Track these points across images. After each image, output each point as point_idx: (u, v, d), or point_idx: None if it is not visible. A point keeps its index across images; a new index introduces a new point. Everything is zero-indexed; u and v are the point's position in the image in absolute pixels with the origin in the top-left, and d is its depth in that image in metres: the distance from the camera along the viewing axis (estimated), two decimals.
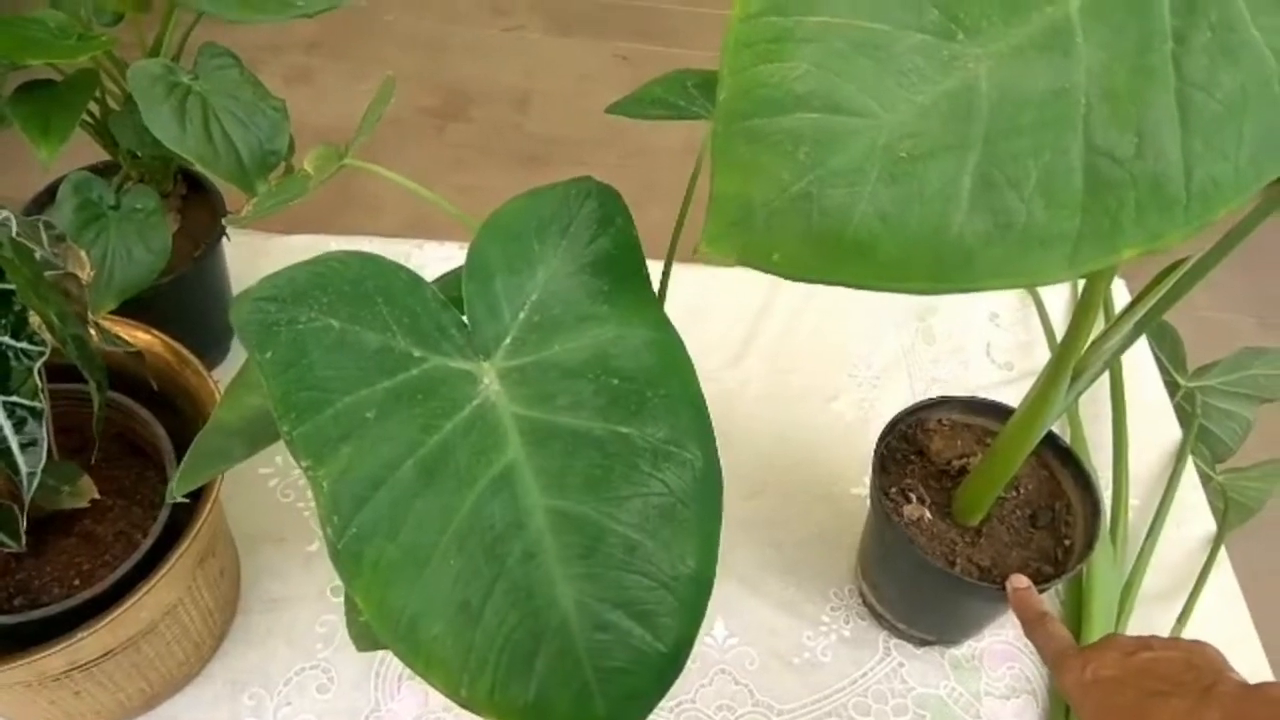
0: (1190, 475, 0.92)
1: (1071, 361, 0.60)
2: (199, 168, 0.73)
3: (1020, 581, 0.65)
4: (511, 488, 0.40)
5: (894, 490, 0.74)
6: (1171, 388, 1.05)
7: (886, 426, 0.76)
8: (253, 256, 1.00)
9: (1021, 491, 0.75)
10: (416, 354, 0.41)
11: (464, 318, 0.42)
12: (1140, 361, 0.99)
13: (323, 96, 2.05)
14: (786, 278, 0.38)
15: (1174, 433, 0.96)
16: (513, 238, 0.43)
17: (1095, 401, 0.94)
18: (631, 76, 2.16)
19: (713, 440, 0.42)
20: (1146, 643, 0.52)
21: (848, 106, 0.37)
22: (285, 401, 0.40)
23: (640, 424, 0.41)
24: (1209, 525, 0.89)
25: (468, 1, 2.31)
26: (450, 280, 0.48)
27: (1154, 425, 0.95)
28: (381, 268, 0.41)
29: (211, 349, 0.93)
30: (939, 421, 0.78)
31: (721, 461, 0.73)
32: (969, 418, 0.79)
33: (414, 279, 0.42)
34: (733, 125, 0.38)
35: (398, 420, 0.40)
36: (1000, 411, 0.78)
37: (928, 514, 0.73)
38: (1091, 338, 0.61)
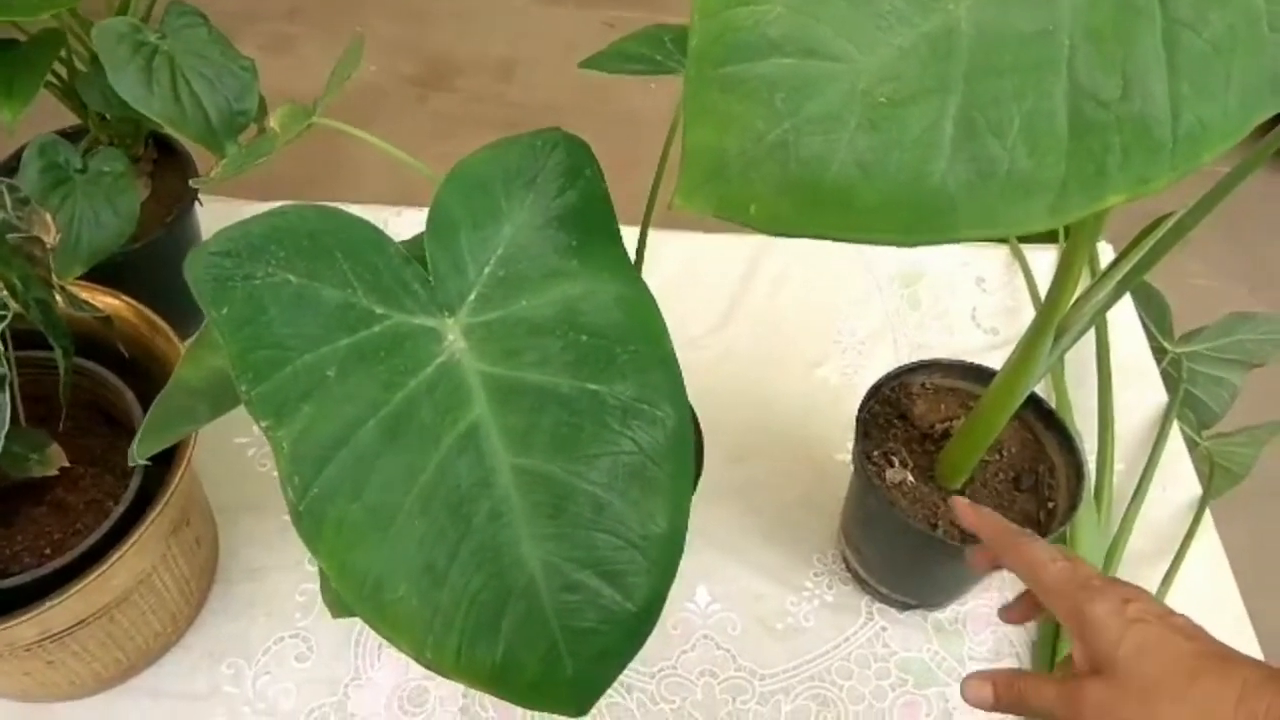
0: (1176, 440, 0.91)
1: (1055, 319, 0.59)
2: (167, 129, 0.71)
3: (960, 502, 0.57)
4: (477, 446, 0.39)
5: (877, 454, 0.73)
6: (1158, 353, 1.05)
7: (870, 391, 0.75)
8: (227, 222, 0.98)
9: (1005, 454, 0.75)
10: (378, 310, 0.40)
11: (428, 273, 0.41)
12: (1126, 326, 0.98)
13: (303, 65, 2.01)
14: (764, 231, 0.37)
15: (1160, 398, 0.95)
16: (477, 190, 0.42)
17: (1081, 365, 0.93)
18: None
19: (684, 398, 0.41)
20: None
21: (824, 50, 0.35)
22: (242, 360, 0.38)
23: (609, 381, 0.40)
24: (1194, 490, 0.88)
25: None
26: (417, 240, 0.47)
27: (1140, 390, 0.95)
28: (341, 221, 0.40)
29: (186, 316, 0.90)
30: (922, 385, 0.78)
31: (705, 427, 0.73)
32: (953, 381, 0.78)
33: (375, 233, 0.40)
34: (705, 73, 0.36)
35: (360, 378, 0.39)
36: (984, 375, 0.77)
37: (910, 477, 0.72)
38: (1075, 296, 0.60)
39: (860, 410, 0.74)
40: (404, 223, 1.02)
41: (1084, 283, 0.62)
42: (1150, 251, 0.57)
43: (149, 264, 0.81)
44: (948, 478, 0.72)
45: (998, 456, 0.74)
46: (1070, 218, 0.35)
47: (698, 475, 0.67)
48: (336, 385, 0.39)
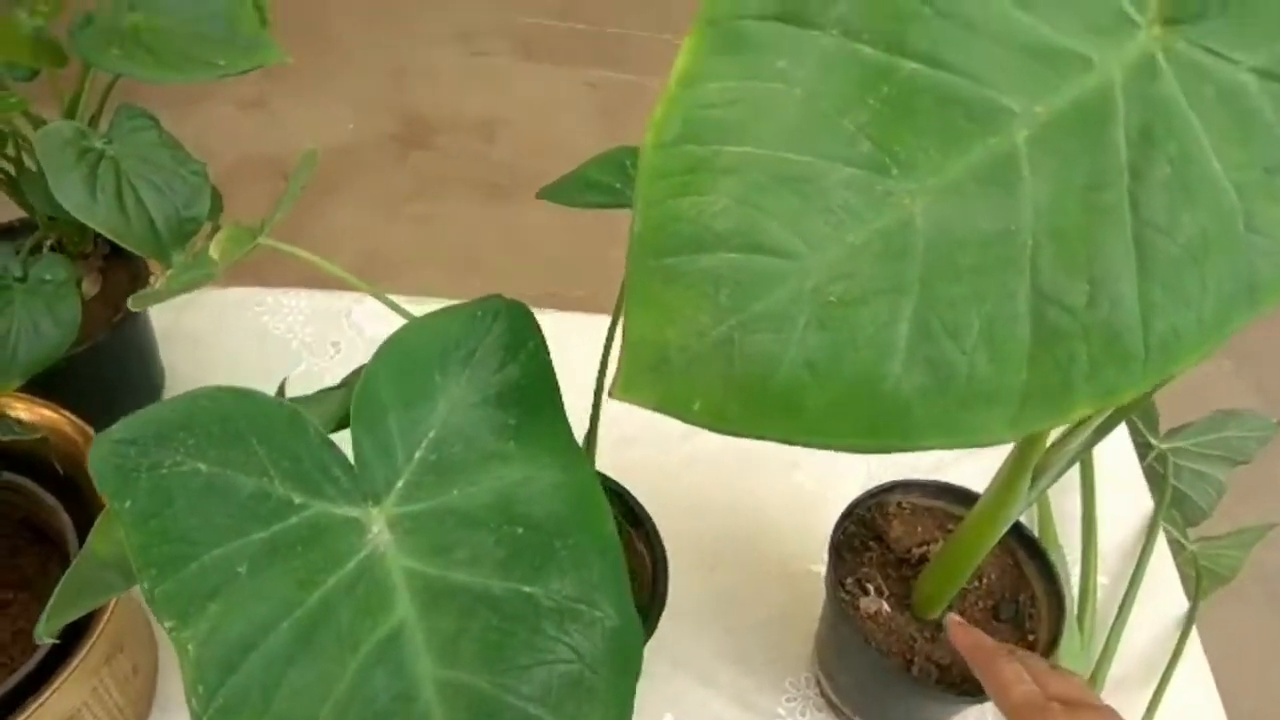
0: (1161, 547, 0.89)
1: (1031, 464, 0.57)
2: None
3: (954, 621, 0.61)
4: (399, 654, 0.36)
5: (850, 581, 0.70)
6: (1144, 448, 1.02)
7: (844, 511, 0.72)
8: (181, 313, 0.96)
9: (984, 582, 0.72)
10: (296, 500, 0.37)
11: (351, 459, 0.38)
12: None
13: (277, 124, 1.99)
14: (709, 429, 0.34)
15: (1146, 502, 0.93)
16: (410, 368, 0.39)
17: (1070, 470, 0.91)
18: (600, 104, 2.12)
19: (626, 593, 0.38)
20: None
21: (772, 246, 0.33)
22: (145, 555, 0.36)
23: (545, 580, 0.37)
24: (1180, 600, 0.86)
25: (433, 25, 2.27)
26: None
27: (1125, 495, 0.92)
28: (257, 404, 0.37)
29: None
30: (899, 505, 0.75)
31: (675, 535, 0.70)
32: (929, 501, 0.75)
33: (293, 415, 0.37)
34: (647, 263, 0.34)
35: (273, 575, 0.36)
36: (960, 495, 0.74)
37: (885, 606, 0.69)
38: (1052, 440, 0.57)
39: (834, 532, 0.71)
40: (366, 311, 0.99)
41: None
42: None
43: (95, 365, 0.78)
44: (924, 607, 0.69)
45: (976, 584, 0.71)
46: (1032, 429, 0.32)
47: (664, 596, 0.64)
48: (248, 583, 0.36)
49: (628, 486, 0.69)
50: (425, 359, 0.39)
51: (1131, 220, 0.32)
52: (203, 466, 0.37)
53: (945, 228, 0.33)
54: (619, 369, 0.34)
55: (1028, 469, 0.57)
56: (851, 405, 0.33)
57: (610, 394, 0.34)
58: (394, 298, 1.04)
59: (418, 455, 0.38)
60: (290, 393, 0.61)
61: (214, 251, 0.55)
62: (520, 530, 0.37)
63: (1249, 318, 0.33)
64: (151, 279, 0.81)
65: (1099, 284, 0.32)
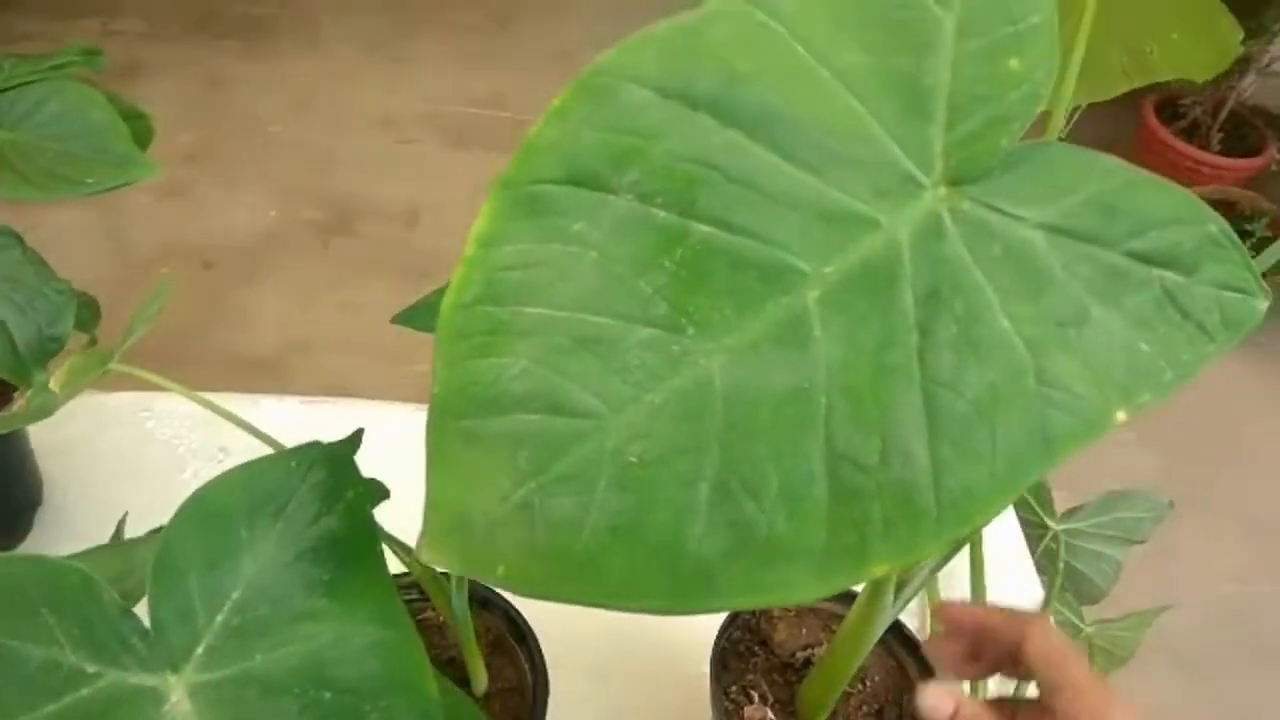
0: None
1: (893, 576, 0.57)
2: None
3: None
4: None
5: (735, 689, 0.69)
6: (1040, 530, 1.04)
7: (728, 618, 0.71)
8: (59, 421, 0.92)
9: (868, 684, 0.71)
10: (90, 669, 0.36)
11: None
12: (999, 519, 0.97)
13: (199, 210, 1.98)
14: (514, 593, 0.34)
15: (1037, 591, 0.93)
16: (214, 524, 0.38)
17: (956, 557, 0.91)
18: None
19: None
20: None
21: (571, 407, 0.33)
22: None
23: None
24: None
25: (358, 113, 2.28)
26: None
27: (1017, 579, 0.93)
28: (49, 571, 0.36)
29: (9, 527, 0.85)
30: (783, 608, 0.74)
31: (560, 639, 0.68)
32: (814, 603, 0.75)
33: (86, 581, 0.36)
34: (447, 424, 0.33)
35: None
36: (847, 596, 0.74)
37: (770, 715, 0.68)
38: None
39: (717, 640, 0.70)
40: (259, 413, 0.97)
41: None
42: None
43: None
44: (809, 713, 0.68)
45: (860, 687, 0.71)
46: (833, 588, 0.32)
47: (544, 716, 0.62)
48: None
49: (511, 596, 0.68)
50: (231, 514, 0.38)
51: (921, 378, 0.33)
52: None
53: (742, 387, 0.33)
54: (423, 529, 0.34)
55: (889, 583, 0.57)
56: (655, 568, 0.33)
57: (416, 556, 0.34)
58: (297, 398, 1.02)
59: (219, 619, 0.37)
60: (176, 503, 0.60)
61: (54, 384, 0.54)
62: (328, 695, 0.36)
63: (1045, 469, 0.34)
64: (16, 395, 0.79)
65: (891, 441, 0.33)
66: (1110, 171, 0.35)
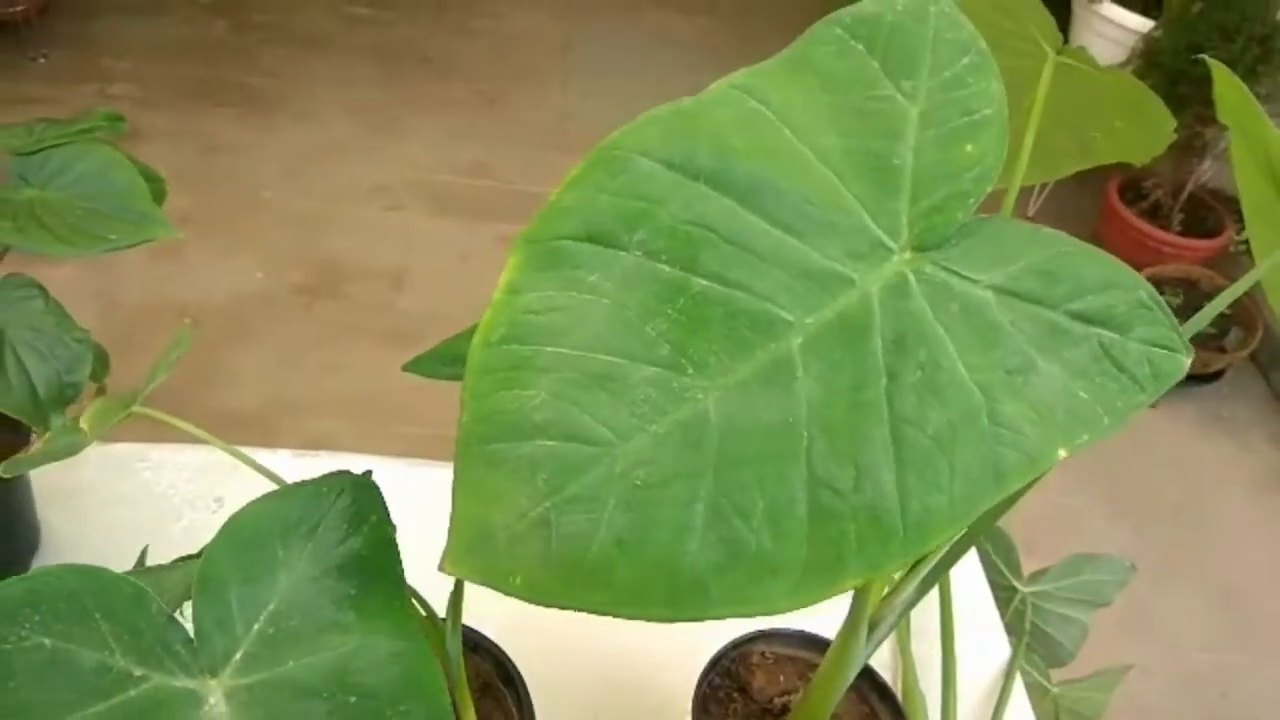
0: (1019, 694, 0.93)
1: (864, 616, 0.61)
2: None
3: None
4: None
5: None
6: (1008, 593, 1.08)
7: (708, 664, 0.75)
8: (63, 469, 0.95)
9: None
10: (137, 672, 0.39)
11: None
12: (969, 576, 1.02)
13: (190, 272, 2.02)
14: (529, 601, 0.38)
15: (1005, 650, 0.97)
16: (252, 544, 0.42)
17: (926, 614, 0.95)
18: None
19: None
20: None
21: (584, 435, 0.38)
22: None
23: None
24: None
25: (349, 181, 2.35)
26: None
27: (984, 641, 0.97)
28: (102, 582, 0.39)
29: (7, 572, 0.86)
30: (762, 655, 0.78)
31: (549, 685, 0.71)
32: (792, 650, 0.78)
33: (137, 591, 0.40)
34: (473, 449, 0.38)
35: None
36: (822, 644, 0.77)
37: None
38: (886, 591, 0.62)
39: (699, 684, 0.73)
40: (242, 479, 1.00)
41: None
42: (950, 552, 0.60)
43: None
44: None
45: None
46: (809, 600, 0.37)
47: None
48: None
49: (499, 640, 0.71)
50: (267, 535, 0.42)
51: (889, 415, 0.38)
52: (47, 641, 0.38)
53: (734, 420, 0.38)
54: (447, 545, 0.38)
55: (863, 620, 0.61)
56: (656, 579, 0.37)
57: (440, 568, 0.38)
58: (289, 451, 1.05)
59: (256, 628, 0.40)
60: (170, 550, 0.62)
61: (84, 423, 0.57)
62: (353, 699, 0.39)
63: (996, 498, 0.38)
64: (33, 437, 0.82)
65: (863, 470, 0.37)
66: (1050, 242, 0.41)
